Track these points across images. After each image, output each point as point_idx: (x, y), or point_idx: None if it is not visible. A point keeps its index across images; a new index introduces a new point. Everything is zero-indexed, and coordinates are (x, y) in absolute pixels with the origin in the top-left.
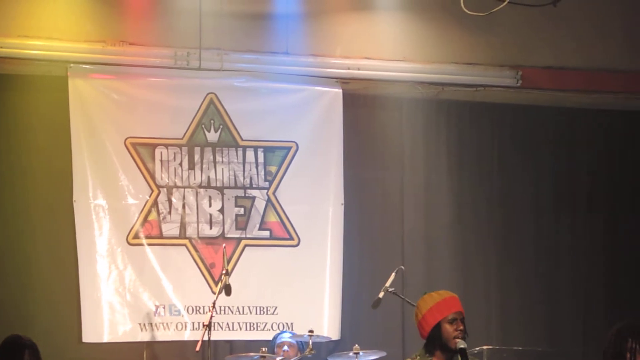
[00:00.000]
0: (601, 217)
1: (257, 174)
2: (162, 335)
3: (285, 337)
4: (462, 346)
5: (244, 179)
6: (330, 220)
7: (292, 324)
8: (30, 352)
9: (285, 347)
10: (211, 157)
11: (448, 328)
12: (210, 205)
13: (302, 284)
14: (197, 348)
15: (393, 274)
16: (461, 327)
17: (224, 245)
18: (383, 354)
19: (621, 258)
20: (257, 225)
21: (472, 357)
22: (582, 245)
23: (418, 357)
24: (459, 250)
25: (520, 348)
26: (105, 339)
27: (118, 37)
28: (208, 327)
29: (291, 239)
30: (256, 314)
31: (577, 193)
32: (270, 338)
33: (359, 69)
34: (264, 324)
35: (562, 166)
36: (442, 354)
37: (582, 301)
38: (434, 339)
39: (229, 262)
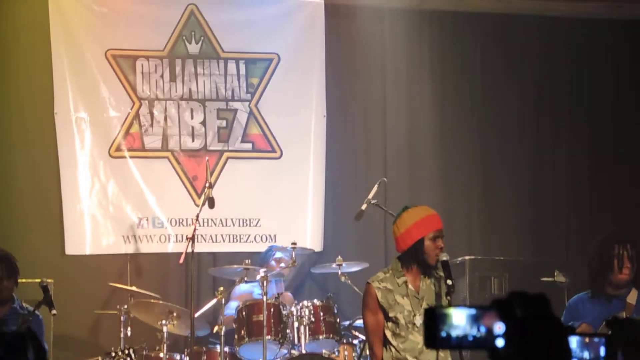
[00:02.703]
0: (583, 126)
1: (239, 86)
2: (146, 247)
3: (281, 254)
4: (444, 258)
5: (225, 91)
6: (312, 132)
7: (275, 235)
8: (3, 266)
9: (283, 264)
10: (192, 69)
11: (430, 244)
12: (192, 118)
13: (285, 196)
14: (181, 260)
15: (376, 185)
16: (442, 245)
17: (206, 158)
18: (366, 265)
19: (605, 167)
20: (240, 138)
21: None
22: (565, 154)
23: (390, 272)
24: (442, 161)
25: (502, 258)
26: (88, 251)
27: None
28: (192, 239)
29: (274, 151)
30: (239, 226)
31: (559, 101)
32: (254, 250)
33: None
34: (247, 236)
35: (544, 74)
36: (418, 268)
37: (565, 212)
38: (413, 254)
39: (211, 174)
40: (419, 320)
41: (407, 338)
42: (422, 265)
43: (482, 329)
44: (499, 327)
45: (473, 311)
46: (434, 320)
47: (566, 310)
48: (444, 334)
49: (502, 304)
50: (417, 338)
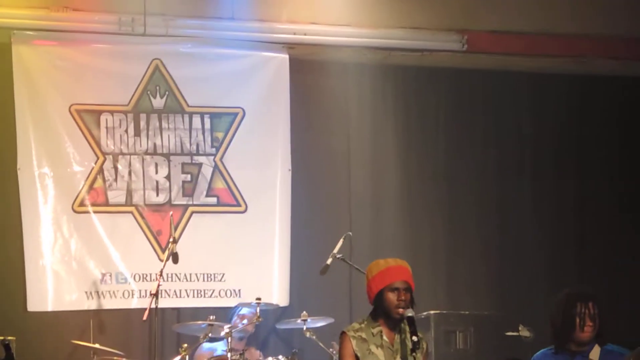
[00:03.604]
0: (545, 181)
1: (204, 140)
2: (109, 303)
3: (246, 310)
4: (409, 314)
5: (190, 145)
6: (277, 186)
7: (239, 290)
8: None
9: (245, 321)
10: (157, 124)
11: (391, 297)
12: (156, 172)
13: (250, 251)
14: (144, 317)
15: (341, 240)
16: (403, 297)
17: (170, 212)
18: (331, 320)
19: (564, 222)
20: (204, 192)
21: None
22: (526, 209)
23: (365, 323)
24: (406, 215)
25: (467, 312)
26: (51, 307)
27: (62, 3)
28: (155, 295)
29: (239, 205)
30: (204, 280)
31: (522, 157)
32: (218, 305)
33: (305, 34)
34: (211, 291)
35: (507, 129)
36: (385, 321)
37: (527, 266)
38: (378, 306)
39: (176, 229)
40: None
41: None
42: (388, 318)
43: None
44: None
45: None
46: None
47: None
48: None
49: None
50: None
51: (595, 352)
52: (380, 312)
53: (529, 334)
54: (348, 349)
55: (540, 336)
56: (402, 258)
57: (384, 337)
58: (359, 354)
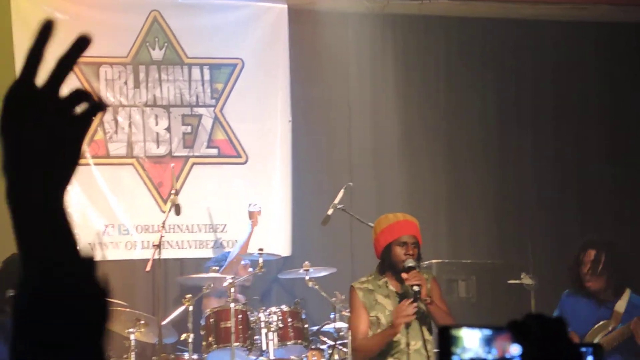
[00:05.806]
0: (547, 128)
1: (204, 92)
2: (112, 254)
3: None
4: (410, 264)
5: (190, 97)
6: (278, 137)
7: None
8: None
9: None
10: (156, 76)
11: (398, 251)
12: (156, 124)
13: (251, 201)
14: (148, 268)
15: (342, 190)
16: (410, 252)
17: (171, 164)
18: (333, 270)
19: (567, 170)
20: (205, 144)
21: (424, 270)
22: (527, 158)
23: (371, 277)
24: (407, 165)
25: (469, 261)
26: None
27: None
28: (158, 246)
29: (239, 156)
30: (206, 231)
31: (524, 103)
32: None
33: None
34: (213, 242)
35: (508, 78)
36: (392, 274)
37: (529, 214)
38: (384, 260)
39: (177, 180)
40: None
41: None
42: (395, 271)
43: (494, 351)
44: (515, 349)
45: (487, 332)
46: (448, 341)
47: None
48: (456, 358)
49: (519, 325)
50: (397, 337)
51: (622, 304)
52: (387, 265)
53: (532, 282)
54: (356, 300)
55: (542, 284)
56: (403, 208)
57: (390, 287)
58: (366, 305)
